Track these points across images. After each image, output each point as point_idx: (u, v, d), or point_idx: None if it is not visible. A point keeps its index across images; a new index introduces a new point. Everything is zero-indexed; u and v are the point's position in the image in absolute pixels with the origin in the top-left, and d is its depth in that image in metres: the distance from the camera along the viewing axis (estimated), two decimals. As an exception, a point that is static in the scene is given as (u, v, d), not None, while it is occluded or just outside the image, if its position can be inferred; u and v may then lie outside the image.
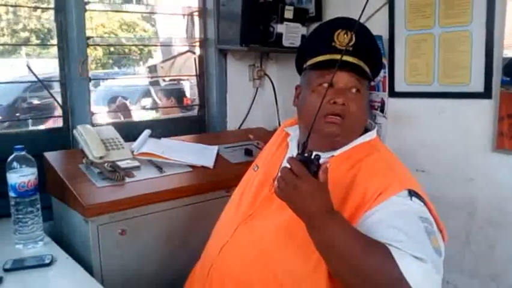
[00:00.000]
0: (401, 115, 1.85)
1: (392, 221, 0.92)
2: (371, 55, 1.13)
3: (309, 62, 1.15)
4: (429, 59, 1.71)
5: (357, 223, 0.96)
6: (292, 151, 1.19)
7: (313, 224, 0.89)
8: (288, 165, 0.89)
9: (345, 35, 1.09)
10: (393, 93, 1.86)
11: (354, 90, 1.09)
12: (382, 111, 1.89)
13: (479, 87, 1.59)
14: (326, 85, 1.07)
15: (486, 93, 1.57)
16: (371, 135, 1.14)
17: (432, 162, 1.76)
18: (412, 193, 0.98)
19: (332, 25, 1.14)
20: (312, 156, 0.90)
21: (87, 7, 1.79)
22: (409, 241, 0.87)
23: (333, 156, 1.10)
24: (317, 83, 1.10)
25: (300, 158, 0.90)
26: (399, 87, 1.83)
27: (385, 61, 1.84)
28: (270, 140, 1.35)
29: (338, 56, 1.04)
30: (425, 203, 0.99)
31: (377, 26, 1.84)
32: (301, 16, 2.04)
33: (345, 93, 1.07)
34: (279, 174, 0.91)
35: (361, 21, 1.75)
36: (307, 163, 0.89)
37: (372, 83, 1.88)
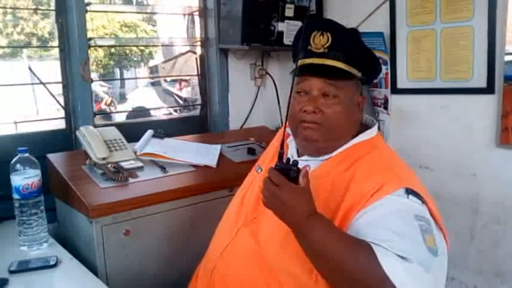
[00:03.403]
0: (404, 112, 1.84)
1: (384, 220, 0.92)
2: (351, 52, 1.09)
3: (294, 67, 1.14)
4: (431, 55, 1.71)
5: (351, 222, 0.96)
6: (292, 152, 1.19)
7: (298, 230, 0.91)
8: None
9: (321, 37, 1.08)
10: (395, 90, 1.85)
11: (329, 95, 1.07)
12: (385, 108, 1.89)
13: (482, 83, 1.58)
14: (303, 93, 1.10)
15: (489, 89, 1.57)
16: (370, 133, 1.13)
17: (435, 158, 1.76)
18: (409, 191, 0.97)
19: (308, 27, 1.12)
20: (290, 162, 0.93)
21: (88, 8, 1.79)
22: (398, 240, 0.87)
23: (331, 157, 1.09)
24: (295, 90, 1.11)
25: (279, 166, 0.93)
26: (401, 83, 1.83)
27: (387, 58, 1.84)
28: (272, 141, 1.35)
29: (314, 60, 1.07)
30: (424, 202, 0.97)
31: (378, 23, 1.84)
32: (302, 14, 2.03)
33: (316, 100, 1.07)
34: (262, 185, 0.94)
35: (362, 18, 1.75)
36: (286, 170, 0.92)
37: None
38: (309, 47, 1.10)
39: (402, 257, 0.85)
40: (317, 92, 1.07)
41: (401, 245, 0.87)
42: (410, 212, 0.93)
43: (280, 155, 0.95)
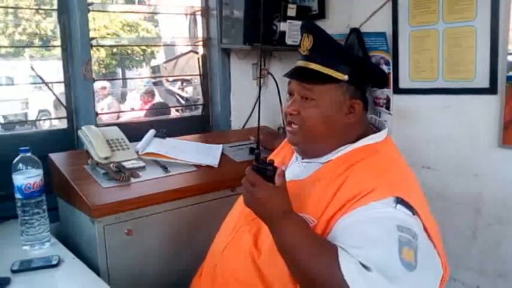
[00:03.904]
0: (406, 112, 1.84)
1: (360, 226, 0.91)
2: (332, 55, 1.08)
3: None
4: (434, 55, 1.70)
5: (334, 225, 0.95)
6: (297, 155, 1.19)
7: (272, 227, 0.95)
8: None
9: (307, 39, 1.10)
10: (397, 90, 1.85)
11: (307, 98, 1.08)
12: (387, 108, 1.89)
13: (485, 83, 1.58)
14: (291, 95, 1.12)
15: (491, 89, 1.56)
16: (376, 137, 1.11)
17: (437, 158, 1.76)
18: (399, 201, 0.94)
19: (301, 29, 1.15)
20: (267, 162, 0.98)
21: (90, 8, 1.79)
22: (366, 247, 0.88)
23: (331, 160, 1.09)
24: (287, 91, 1.15)
25: (256, 165, 0.98)
26: (403, 83, 1.83)
27: (389, 58, 1.83)
28: (282, 142, 1.35)
29: (299, 63, 1.11)
30: (416, 213, 0.95)
31: (381, 22, 1.84)
32: (304, 14, 2.03)
33: (295, 102, 1.09)
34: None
35: (364, 18, 1.76)
36: (262, 170, 0.96)
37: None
38: (299, 49, 1.13)
39: (363, 265, 0.86)
40: (297, 95, 1.10)
41: (367, 252, 0.87)
42: (392, 221, 0.91)
43: (257, 156, 1.01)
